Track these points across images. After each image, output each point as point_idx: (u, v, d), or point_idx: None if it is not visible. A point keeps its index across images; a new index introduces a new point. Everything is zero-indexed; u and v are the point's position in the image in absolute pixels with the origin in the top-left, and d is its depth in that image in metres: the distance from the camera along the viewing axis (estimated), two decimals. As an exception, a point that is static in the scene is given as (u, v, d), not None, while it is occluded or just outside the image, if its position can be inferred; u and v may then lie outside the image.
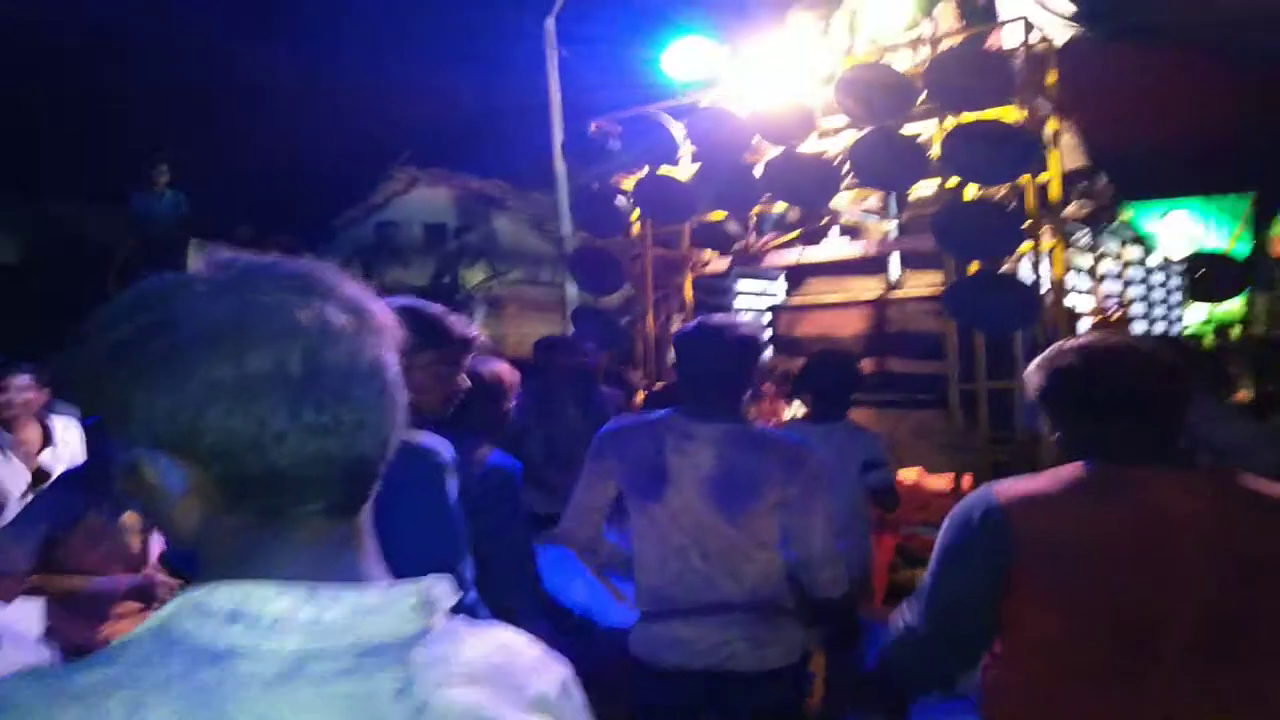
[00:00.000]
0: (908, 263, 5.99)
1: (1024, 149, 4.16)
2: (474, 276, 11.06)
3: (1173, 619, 1.46)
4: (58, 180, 9.58)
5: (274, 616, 0.66)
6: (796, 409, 5.04)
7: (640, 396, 5.72)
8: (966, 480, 4.71)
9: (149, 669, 0.64)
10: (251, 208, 9.61)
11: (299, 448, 0.68)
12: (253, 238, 8.81)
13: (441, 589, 0.74)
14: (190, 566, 2.18)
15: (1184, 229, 13.06)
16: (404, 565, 1.85)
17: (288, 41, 11.29)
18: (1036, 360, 1.73)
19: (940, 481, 5.04)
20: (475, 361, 2.83)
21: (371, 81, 10.89)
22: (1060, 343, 1.74)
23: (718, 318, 2.43)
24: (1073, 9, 5.96)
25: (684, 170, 5.39)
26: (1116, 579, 1.47)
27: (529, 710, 0.76)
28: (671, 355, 2.56)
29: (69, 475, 3.02)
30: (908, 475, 5.13)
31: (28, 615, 2.95)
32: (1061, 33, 5.66)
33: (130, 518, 2.88)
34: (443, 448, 1.90)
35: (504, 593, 2.48)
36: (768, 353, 5.95)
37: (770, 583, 2.31)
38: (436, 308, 2.06)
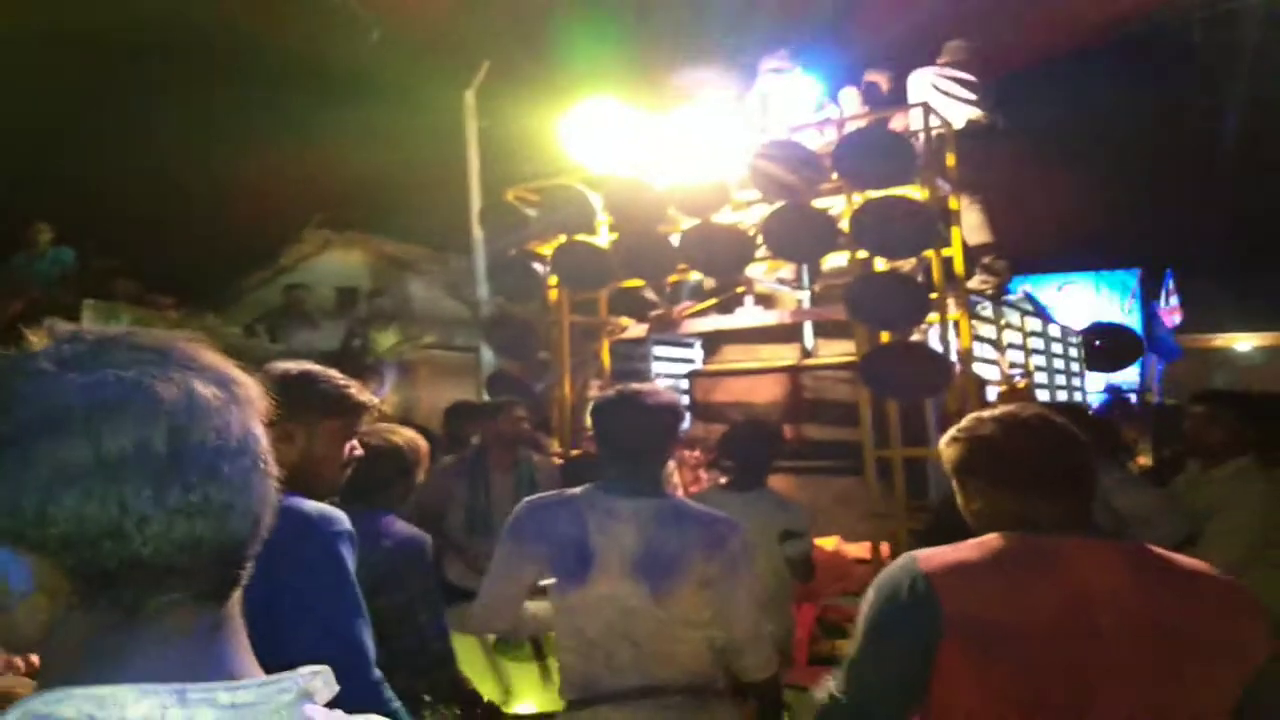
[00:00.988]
0: (821, 331, 6.14)
1: (927, 225, 4.34)
2: (386, 340, 10.90)
3: (1099, 696, 1.45)
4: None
5: None
6: (716, 477, 5.05)
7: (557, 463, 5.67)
8: (885, 549, 4.77)
9: None
10: (153, 269, 9.32)
11: (165, 532, 0.64)
12: (137, 295, 8.52)
13: (319, 681, 0.71)
14: None
15: (1080, 301, 13.75)
16: (302, 640, 1.77)
17: (202, 99, 11.12)
18: (951, 432, 1.75)
19: (859, 550, 5.10)
20: (382, 430, 2.75)
21: (286, 143, 10.77)
22: (975, 415, 1.76)
23: (637, 386, 2.38)
24: (972, 97, 6.30)
25: (601, 239, 5.45)
26: (1040, 658, 1.46)
27: None
28: (589, 423, 2.52)
29: None
30: (826, 544, 5.16)
31: None
32: (960, 118, 5.96)
33: None
34: (340, 518, 1.84)
35: (411, 675, 2.38)
36: (686, 420, 5.98)
37: (702, 663, 2.25)
38: (334, 374, 2.00)
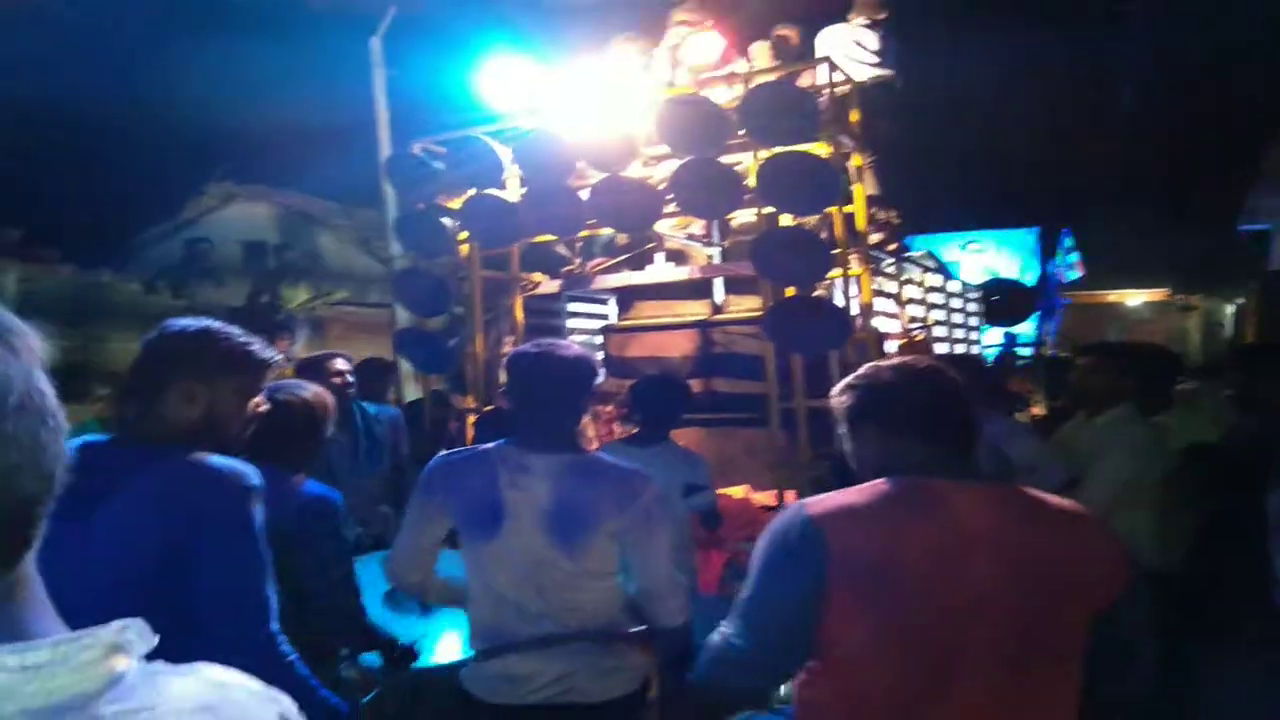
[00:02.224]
0: (731, 287, 6.22)
1: (830, 181, 4.42)
2: (296, 296, 10.63)
3: (972, 635, 1.52)
4: None
5: None
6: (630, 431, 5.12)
7: (470, 420, 5.66)
8: (790, 496, 4.91)
9: None
10: (39, 221, 8.87)
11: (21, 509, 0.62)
12: (20, 247, 8.13)
13: (133, 632, 0.66)
14: None
15: (980, 259, 14.21)
16: (203, 593, 1.77)
17: (98, 42, 10.52)
18: (845, 380, 1.81)
19: (766, 498, 5.24)
20: (290, 385, 2.71)
21: (185, 89, 10.31)
22: (869, 364, 1.82)
23: (550, 341, 2.39)
24: (877, 54, 6.41)
25: (511, 193, 5.41)
26: (919, 597, 1.53)
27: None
28: (503, 378, 2.52)
29: None
30: (735, 492, 5.30)
31: None
32: (864, 75, 6.06)
33: None
34: (248, 472, 1.84)
35: (326, 631, 2.39)
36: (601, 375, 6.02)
37: (609, 612, 2.30)
38: (234, 330, 1.98)
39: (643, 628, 2.35)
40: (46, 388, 0.67)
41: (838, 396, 1.80)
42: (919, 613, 1.52)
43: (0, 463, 0.62)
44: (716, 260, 6.24)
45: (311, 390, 2.69)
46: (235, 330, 1.98)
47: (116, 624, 0.66)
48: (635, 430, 3.86)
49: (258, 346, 1.99)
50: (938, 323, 7.37)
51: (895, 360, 1.81)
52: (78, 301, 8.99)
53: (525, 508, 2.24)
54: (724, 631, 1.70)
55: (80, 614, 1.91)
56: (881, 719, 1.56)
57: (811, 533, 1.57)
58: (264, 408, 2.03)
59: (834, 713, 1.62)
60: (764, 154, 4.58)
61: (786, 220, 4.90)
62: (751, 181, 4.64)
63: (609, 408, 5.74)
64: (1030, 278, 13.38)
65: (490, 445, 2.36)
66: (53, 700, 0.60)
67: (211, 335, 1.93)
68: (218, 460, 1.82)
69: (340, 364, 4.22)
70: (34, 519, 0.66)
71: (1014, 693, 1.54)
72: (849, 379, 1.80)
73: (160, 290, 9.42)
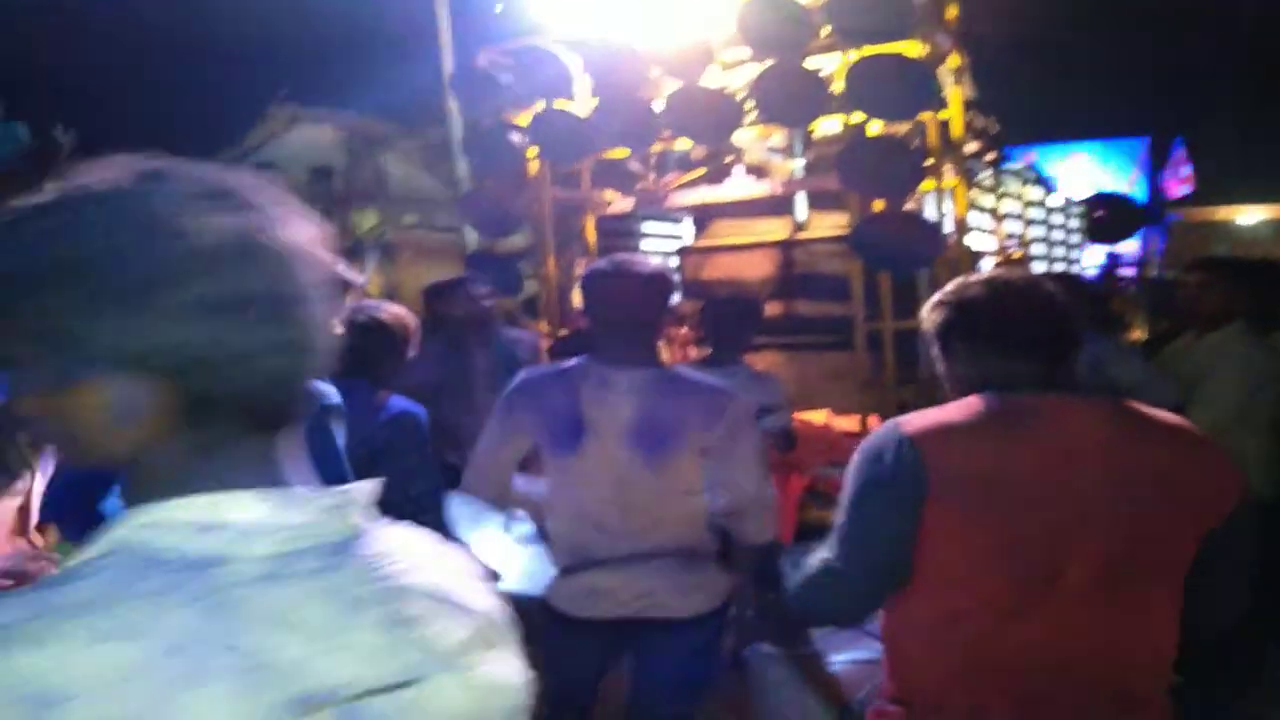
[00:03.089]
0: (814, 203, 6.07)
1: (925, 85, 4.23)
2: (365, 222, 10.76)
3: (1076, 551, 1.51)
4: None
5: (244, 524, 0.69)
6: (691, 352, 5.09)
7: (545, 345, 5.68)
8: (873, 421, 4.84)
9: (136, 582, 0.66)
10: (112, 150, 9.08)
11: (262, 367, 0.71)
12: (75, 149, 8.36)
13: (370, 492, 0.79)
14: (72, 526, 2.05)
15: (1083, 171, 13.59)
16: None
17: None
18: (936, 296, 1.76)
19: (848, 423, 5.18)
20: (370, 307, 2.77)
21: (246, 7, 10.36)
22: (960, 279, 1.78)
23: (625, 256, 2.39)
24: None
25: (581, 106, 5.31)
26: (1022, 513, 1.51)
27: (483, 585, 0.84)
28: (578, 299, 2.52)
29: None
30: (816, 417, 5.24)
31: None
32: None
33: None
34: (326, 392, 1.87)
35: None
36: (677, 296, 5.99)
37: (694, 529, 2.33)
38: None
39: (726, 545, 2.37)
40: (305, 254, 0.75)
41: (929, 313, 1.76)
42: (1022, 529, 1.51)
43: (305, 341, 0.74)
44: (799, 174, 6.07)
45: (390, 311, 2.77)
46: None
47: (360, 484, 0.78)
48: (706, 352, 3.83)
49: (343, 268, 2.02)
50: (1036, 240, 7.12)
51: (988, 274, 1.76)
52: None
53: (608, 423, 2.26)
54: (821, 555, 1.70)
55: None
56: (978, 635, 1.56)
57: (909, 451, 1.55)
58: (341, 329, 2.05)
59: (927, 629, 1.62)
60: (852, 56, 4.39)
61: (875, 129, 4.72)
62: (838, 86, 4.47)
63: (683, 331, 5.69)
64: (1137, 192, 12.79)
65: (572, 362, 2.38)
66: (333, 539, 0.74)
67: None
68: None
69: (479, 288, 4.35)
70: (307, 395, 0.78)
71: (1116, 609, 1.53)
72: (940, 295, 1.76)
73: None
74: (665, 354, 5.51)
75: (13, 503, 2.83)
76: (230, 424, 0.73)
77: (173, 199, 0.71)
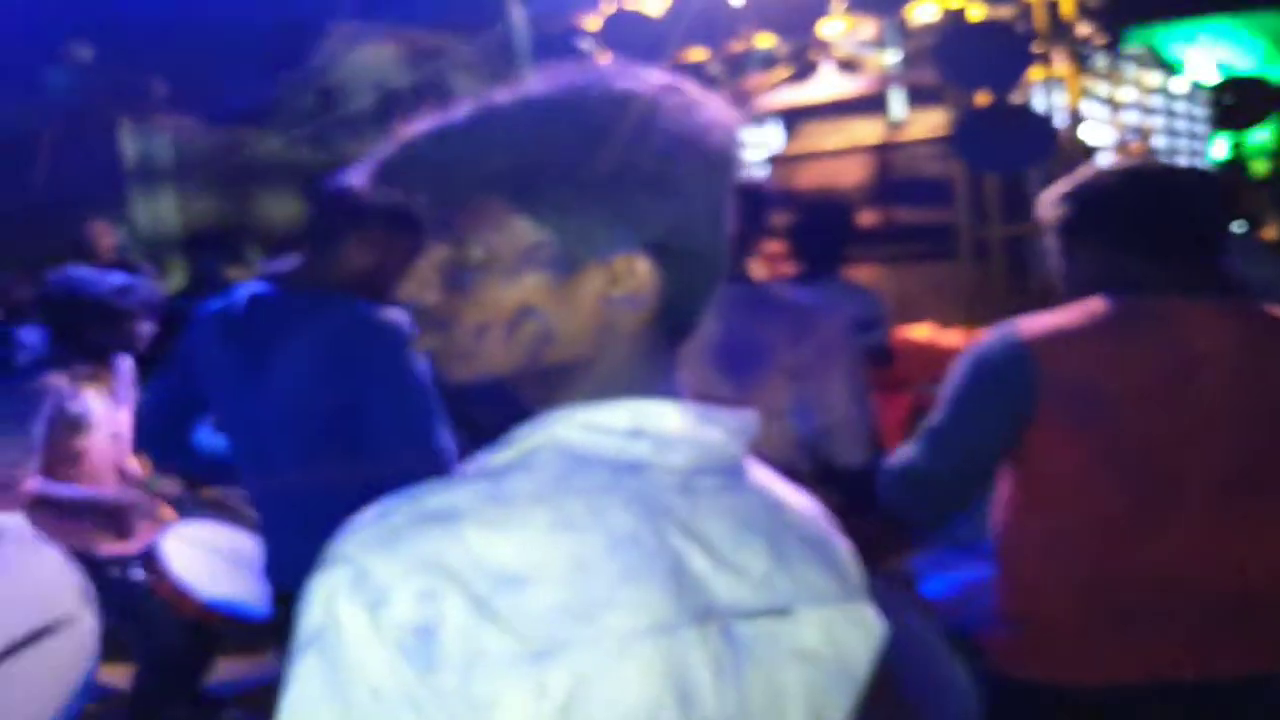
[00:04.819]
0: (911, 100, 5.86)
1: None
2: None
3: (1199, 459, 1.49)
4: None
5: (671, 433, 0.75)
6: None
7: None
8: (981, 335, 4.74)
9: (578, 477, 0.71)
10: (176, 78, 9.27)
11: (720, 269, 0.80)
12: (171, 102, 8.57)
13: (755, 421, 0.83)
14: (166, 457, 2.14)
15: (1211, 51, 12.81)
16: (380, 441, 1.89)
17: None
18: (1059, 186, 1.71)
19: (955, 337, 5.08)
20: None
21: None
22: (1087, 168, 1.72)
23: None
24: None
25: (653, 4, 5.19)
26: (1143, 419, 1.49)
27: (835, 527, 0.88)
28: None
29: (37, 364, 3.02)
30: (920, 332, 5.15)
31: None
32: None
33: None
34: (406, 320, 1.91)
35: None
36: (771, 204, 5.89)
37: (784, 450, 2.30)
38: None
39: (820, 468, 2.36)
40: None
41: (1051, 207, 1.71)
42: (1139, 438, 1.50)
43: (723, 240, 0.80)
44: (894, 69, 5.85)
45: None
46: None
47: (749, 413, 0.82)
48: (800, 266, 3.78)
49: None
50: (1158, 131, 6.78)
51: (1120, 164, 1.70)
52: (223, 161, 9.47)
53: (694, 342, 2.24)
54: (909, 453, 1.69)
55: (268, 452, 2.07)
56: (1095, 547, 1.55)
57: (1021, 354, 1.54)
58: None
59: (1041, 545, 1.61)
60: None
61: (976, 13, 4.51)
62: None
63: (773, 244, 5.61)
64: (1272, 73, 12.03)
65: None
66: (730, 460, 0.80)
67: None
68: (381, 310, 1.91)
69: None
70: (700, 308, 0.82)
71: (1235, 523, 1.51)
72: (1065, 185, 1.71)
73: (299, 141, 9.77)
74: (759, 270, 5.46)
75: (108, 430, 2.98)
76: (671, 331, 0.79)
77: (674, 105, 0.76)
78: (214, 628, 2.73)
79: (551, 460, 0.73)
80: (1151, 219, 1.60)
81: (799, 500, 0.87)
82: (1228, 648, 1.55)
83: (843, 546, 0.87)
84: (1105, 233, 1.63)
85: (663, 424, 0.75)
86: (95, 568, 2.89)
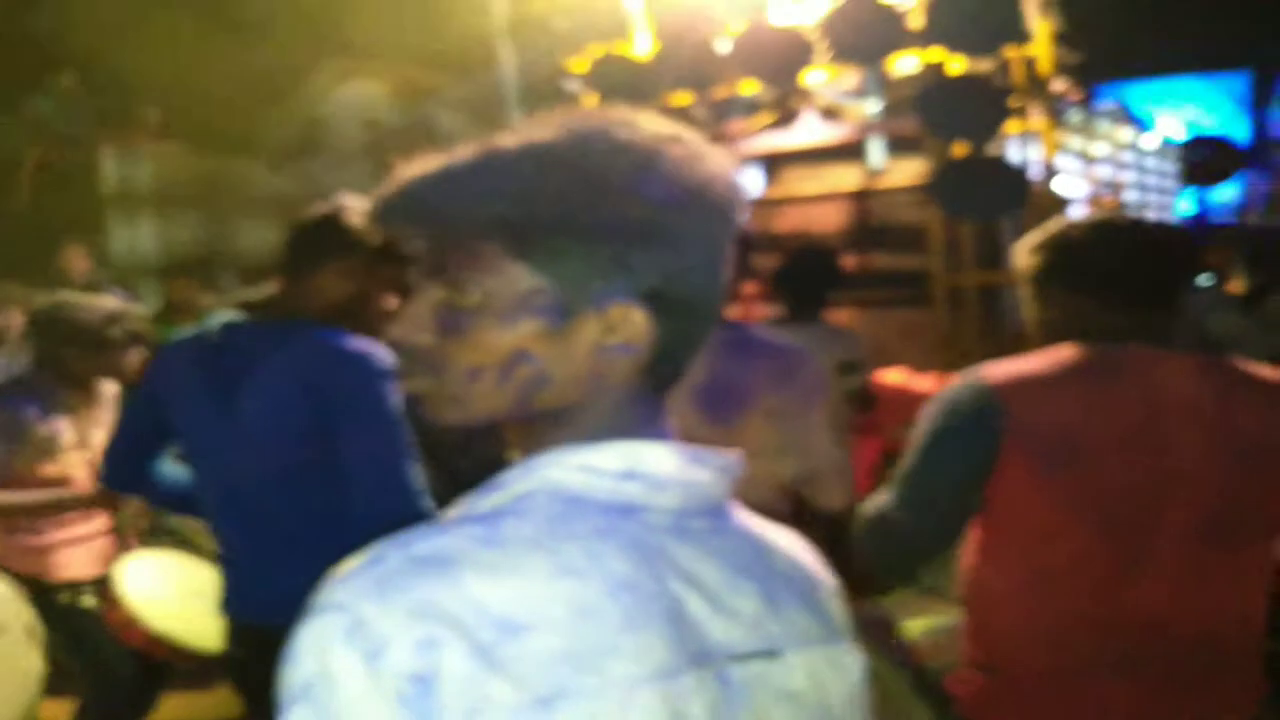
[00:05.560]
0: (890, 149, 5.92)
1: (1009, 15, 4.10)
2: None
3: (1168, 508, 1.48)
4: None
5: (664, 475, 0.74)
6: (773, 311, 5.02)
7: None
8: (953, 380, 4.75)
9: (573, 521, 0.71)
10: (164, 107, 9.26)
11: (714, 317, 0.80)
12: (160, 128, 8.55)
13: (737, 461, 0.82)
14: (130, 486, 2.08)
15: (1181, 110, 13.07)
16: (350, 474, 1.85)
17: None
18: (1033, 237, 1.72)
19: (927, 382, 5.09)
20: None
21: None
22: (1060, 221, 1.74)
23: None
24: None
25: (641, 49, 5.24)
26: (1112, 467, 1.48)
27: (821, 568, 0.87)
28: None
29: (11, 385, 2.97)
30: (892, 377, 5.16)
31: None
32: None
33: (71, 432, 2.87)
34: (382, 353, 1.89)
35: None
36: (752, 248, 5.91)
37: (764, 493, 2.29)
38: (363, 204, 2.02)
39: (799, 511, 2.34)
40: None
41: (1026, 255, 1.72)
42: (1107, 486, 1.49)
43: (718, 294, 0.79)
44: (873, 117, 5.93)
45: None
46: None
47: (732, 452, 0.80)
48: (783, 309, 3.79)
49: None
50: (1129, 185, 6.88)
51: (1093, 216, 1.74)
52: (206, 186, 9.42)
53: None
54: (880, 501, 1.68)
55: (235, 483, 2.02)
56: (1064, 595, 1.54)
57: (989, 401, 1.53)
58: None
59: (1011, 590, 1.60)
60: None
61: (956, 66, 4.58)
62: (915, 20, 4.34)
63: (749, 286, 5.62)
64: (1238, 132, 12.28)
65: None
66: (718, 502, 0.79)
67: (341, 216, 2.01)
68: (354, 341, 1.90)
69: None
70: (691, 355, 0.81)
71: (1206, 571, 1.51)
72: (1035, 236, 1.72)
73: (284, 173, 9.75)
74: (738, 311, 5.48)
75: (81, 455, 2.93)
76: (673, 374, 0.80)
77: (676, 156, 0.76)
78: (163, 660, 2.65)
79: (545, 504, 0.72)
80: (1121, 269, 1.61)
81: (784, 540, 0.86)
82: (1197, 698, 1.54)
83: (828, 587, 0.87)
84: (1076, 282, 1.64)
85: (655, 466, 0.74)
86: (45, 593, 2.82)
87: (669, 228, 0.74)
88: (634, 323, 0.74)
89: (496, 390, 0.75)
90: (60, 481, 2.86)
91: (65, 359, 2.89)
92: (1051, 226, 1.72)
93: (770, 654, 0.76)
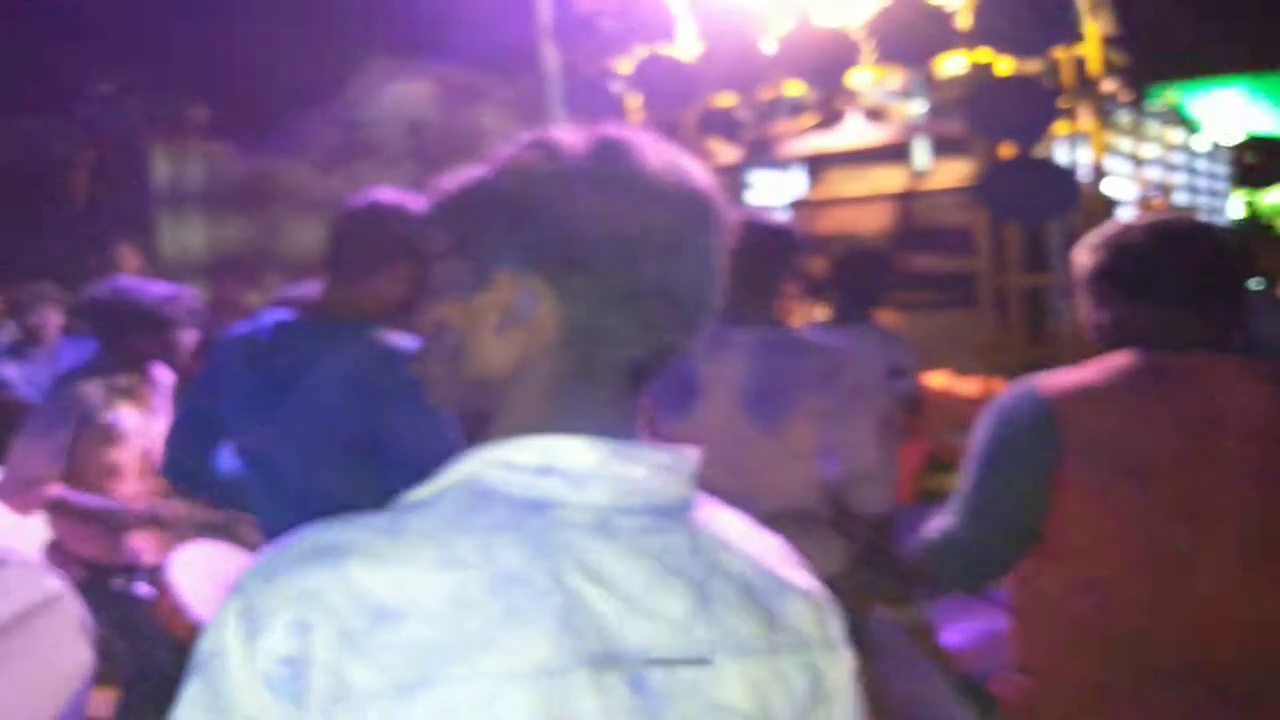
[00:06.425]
0: (936, 150, 5.87)
1: (1059, 15, 4.04)
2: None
3: (1223, 520, 1.46)
4: (15, 94, 9.36)
5: (584, 471, 0.74)
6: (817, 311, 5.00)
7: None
8: (998, 384, 4.70)
9: (476, 515, 0.72)
10: (212, 109, 9.41)
11: (641, 309, 0.77)
12: (208, 129, 8.69)
13: (696, 458, 0.81)
14: (188, 483, 2.13)
15: (1233, 110, 12.81)
16: (398, 475, 1.87)
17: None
18: (1090, 238, 1.70)
19: (971, 386, 5.05)
20: None
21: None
22: (1119, 222, 1.72)
23: (749, 207, 2.38)
24: None
25: (685, 50, 5.24)
26: (1167, 478, 1.47)
27: (796, 571, 0.84)
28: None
29: (74, 373, 3.04)
30: (936, 380, 5.12)
31: (24, 526, 2.98)
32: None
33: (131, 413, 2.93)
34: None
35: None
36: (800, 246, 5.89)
37: (807, 494, 2.30)
38: (417, 205, 2.03)
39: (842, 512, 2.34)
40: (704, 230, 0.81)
41: (1082, 256, 1.70)
42: (1163, 500, 1.48)
43: (686, 302, 0.79)
44: (919, 118, 5.88)
45: None
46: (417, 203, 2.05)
47: (688, 449, 0.80)
48: (832, 310, 3.78)
49: None
50: (1179, 187, 6.76)
51: (1152, 218, 1.70)
52: (253, 188, 9.57)
53: (722, 384, 2.24)
54: (942, 521, 1.68)
55: (285, 480, 2.05)
56: (1115, 604, 1.53)
57: (1044, 413, 1.52)
58: None
59: (1059, 599, 1.59)
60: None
61: (1004, 67, 4.53)
62: (963, 20, 4.30)
63: (794, 287, 5.60)
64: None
65: None
66: (665, 500, 0.77)
67: (392, 213, 2.03)
68: (405, 340, 1.92)
69: None
70: (672, 357, 0.82)
71: (1259, 584, 1.49)
72: (1093, 237, 1.70)
73: (330, 174, 9.86)
74: (788, 313, 5.45)
75: (140, 443, 2.99)
76: (597, 356, 0.78)
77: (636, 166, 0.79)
78: None
79: (458, 498, 0.74)
80: (1183, 273, 1.59)
81: (755, 545, 0.83)
82: (1246, 714, 1.52)
83: (798, 597, 0.82)
84: (1134, 285, 1.62)
85: (573, 461, 0.74)
86: (100, 575, 2.88)
87: (560, 199, 0.76)
88: (526, 292, 0.76)
89: (437, 364, 0.83)
90: (119, 470, 2.93)
91: (127, 340, 2.95)
92: (1111, 227, 1.70)
93: (697, 660, 0.73)
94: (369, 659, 0.65)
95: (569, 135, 0.81)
